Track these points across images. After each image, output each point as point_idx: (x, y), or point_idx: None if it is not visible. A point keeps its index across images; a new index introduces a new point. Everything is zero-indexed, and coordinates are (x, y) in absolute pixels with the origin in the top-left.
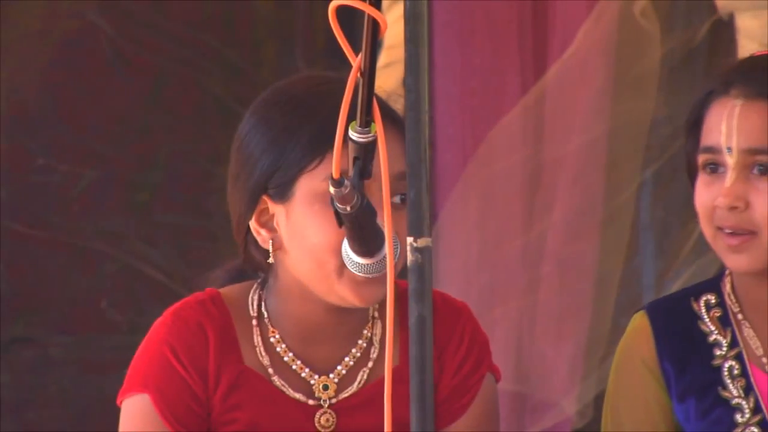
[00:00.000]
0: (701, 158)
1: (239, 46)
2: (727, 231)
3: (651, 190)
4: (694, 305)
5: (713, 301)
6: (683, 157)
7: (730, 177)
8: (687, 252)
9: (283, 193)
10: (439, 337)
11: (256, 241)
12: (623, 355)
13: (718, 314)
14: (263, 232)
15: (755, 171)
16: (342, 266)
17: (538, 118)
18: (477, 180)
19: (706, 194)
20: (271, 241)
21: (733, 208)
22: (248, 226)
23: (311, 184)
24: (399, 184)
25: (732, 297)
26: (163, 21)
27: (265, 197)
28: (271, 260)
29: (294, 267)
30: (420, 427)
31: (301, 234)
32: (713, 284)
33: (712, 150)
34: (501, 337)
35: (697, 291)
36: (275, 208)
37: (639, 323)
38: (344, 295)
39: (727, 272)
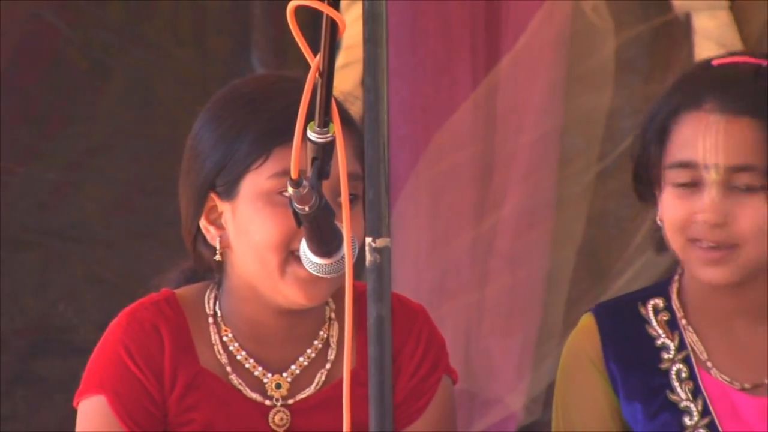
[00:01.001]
0: (672, 173)
1: (193, 46)
2: (708, 245)
3: (603, 183)
4: (642, 309)
5: (661, 305)
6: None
7: (711, 194)
8: (637, 244)
9: (229, 191)
10: (396, 338)
11: (205, 239)
12: (571, 354)
13: (665, 318)
14: (212, 229)
15: (738, 188)
16: (284, 264)
17: (489, 114)
18: (427, 177)
19: (681, 208)
20: (218, 239)
21: (716, 225)
22: (198, 223)
23: (255, 182)
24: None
25: (677, 303)
26: (118, 21)
27: (213, 195)
28: (218, 257)
29: (240, 266)
30: (379, 427)
31: (245, 232)
32: (661, 288)
33: (688, 165)
34: (450, 333)
35: (645, 295)
36: (223, 206)
37: (586, 324)
38: (288, 293)
39: (675, 277)
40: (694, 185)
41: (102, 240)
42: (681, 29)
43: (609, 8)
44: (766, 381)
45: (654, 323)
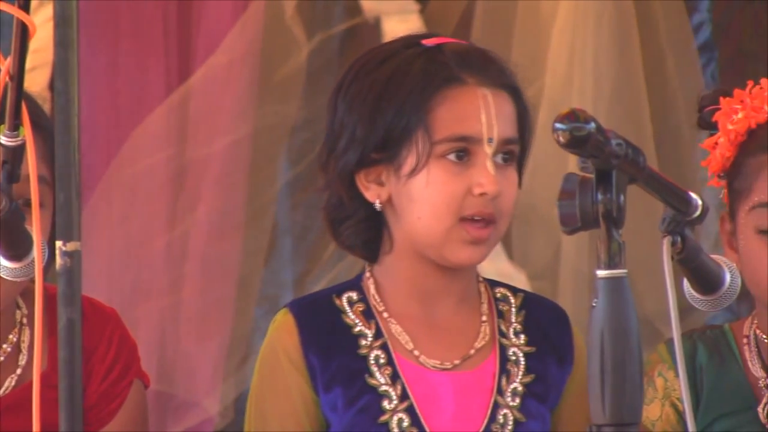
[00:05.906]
0: (449, 146)
1: None
2: (479, 220)
3: (291, 193)
4: (337, 301)
5: (355, 297)
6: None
7: (490, 166)
8: (328, 257)
9: None
10: (88, 342)
11: None
12: (267, 350)
13: (361, 308)
14: None
15: (501, 159)
16: None
17: (182, 118)
18: (120, 179)
19: (457, 183)
20: None
21: (494, 198)
22: None
23: None
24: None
25: (376, 297)
26: None
27: None
28: None
29: None
30: (69, 429)
31: None
32: (353, 284)
33: (468, 139)
34: (144, 335)
35: (338, 289)
36: None
37: (282, 319)
38: None
39: (367, 274)
40: (467, 159)
41: None
42: (369, 37)
43: (302, 16)
44: (457, 361)
45: (350, 313)
